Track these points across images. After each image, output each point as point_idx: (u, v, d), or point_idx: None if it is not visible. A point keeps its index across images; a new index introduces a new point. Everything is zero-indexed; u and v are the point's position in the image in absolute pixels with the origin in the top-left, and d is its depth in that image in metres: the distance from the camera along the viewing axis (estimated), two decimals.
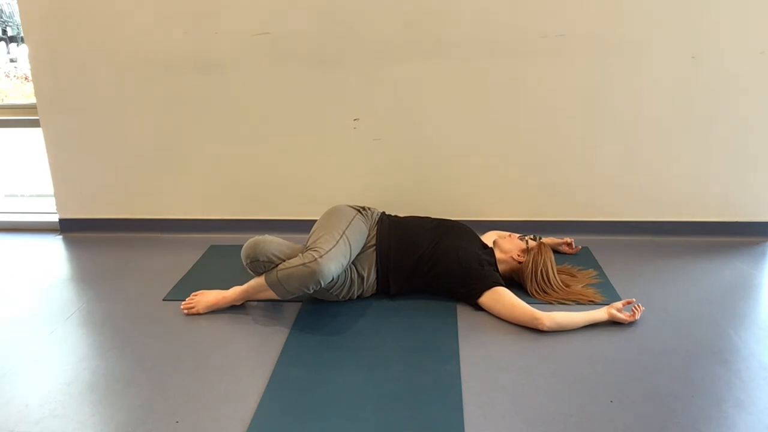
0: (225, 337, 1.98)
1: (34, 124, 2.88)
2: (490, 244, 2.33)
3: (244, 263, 2.04)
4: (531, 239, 2.26)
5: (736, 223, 2.75)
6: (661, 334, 1.95)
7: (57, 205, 3.00)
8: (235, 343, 1.95)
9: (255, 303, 2.20)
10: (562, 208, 2.79)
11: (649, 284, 2.31)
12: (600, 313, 2.00)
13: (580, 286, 2.24)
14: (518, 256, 2.22)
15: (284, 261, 1.98)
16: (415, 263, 2.16)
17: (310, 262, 1.91)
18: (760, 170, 2.65)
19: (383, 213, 2.33)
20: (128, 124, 2.80)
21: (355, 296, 2.18)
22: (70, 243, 2.89)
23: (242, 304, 2.18)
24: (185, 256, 2.65)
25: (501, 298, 2.05)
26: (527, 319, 1.97)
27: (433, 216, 2.38)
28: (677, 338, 1.93)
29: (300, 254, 1.98)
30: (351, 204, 2.33)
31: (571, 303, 2.14)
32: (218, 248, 2.74)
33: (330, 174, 2.81)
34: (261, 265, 2.01)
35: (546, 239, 2.56)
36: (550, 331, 1.96)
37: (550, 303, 2.14)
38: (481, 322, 2.05)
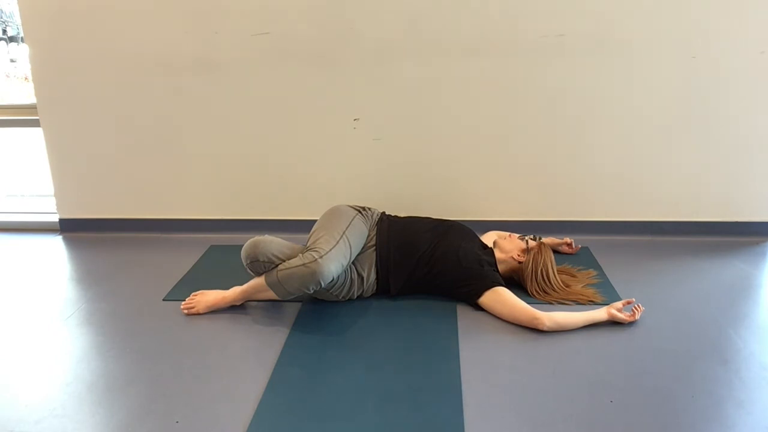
0: (225, 337, 1.98)
1: (34, 124, 2.88)
2: (490, 245, 2.33)
3: (244, 263, 2.04)
4: (531, 239, 2.26)
5: (736, 223, 2.75)
6: (661, 334, 1.95)
7: (57, 205, 3.00)
8: (235, 343, 1.95)
9: (255, 303, 2.20)
10: (562, 208, 2.79)
11: (649, 284, 2.31)
12: (600, 313, 2.00)
13: (580, 286, 2.24)
14: (518, 256, 2.22)
15: (284, 261, 1.98)
16: (415, 263, 2.16)
17: (310, 262, 1.91)
18: (760, 170, 2.65)
19: (383, 213, 2.33)
20: (128, 124, 2.80)
21: (355, 296, 2.18)
22: (70, 243, 2.89)
23: (242, 304, 2.18)
24: (185, 256, 2.65)
25: (501, 298, 2.05)
26: (527, 319, 1.97)
27: (433, 216, 2.38)
28: (677, 338, 1.93)
29: (300, 254, 1.98)
30: (351, 204, 2.33)
31: (571, 303, 2.14)
32: (218, 248, 2.74)
33: (330, 174, 2.81)
34: (261, 265, 2.01)
35: (546, 239, 2.56)
36: (550, 331, 1.96)
37: (550, 303, 2.14)
38: (481, 322, 2.05)
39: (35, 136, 2.96)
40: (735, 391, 1.66)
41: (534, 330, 1.97)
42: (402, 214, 2.40)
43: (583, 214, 2.79)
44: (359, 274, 2.15)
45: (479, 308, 2.12)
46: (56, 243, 2.90)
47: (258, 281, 2.04)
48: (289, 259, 1.98)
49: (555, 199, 2.78)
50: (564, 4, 2.47)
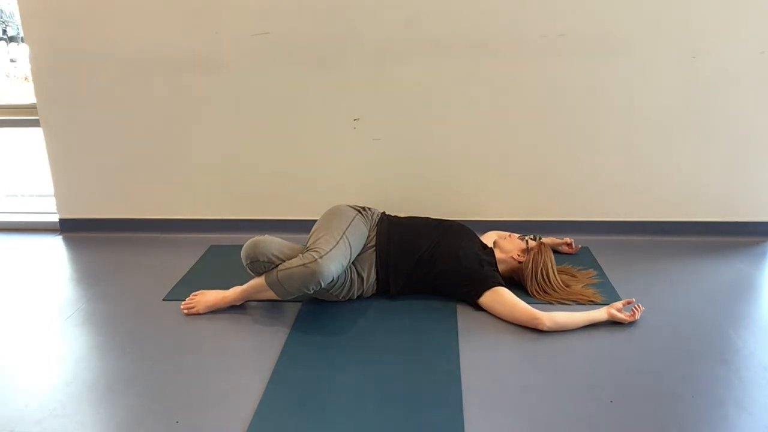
0: (225, 337, 1.98)
1: (34, 124, 2.88)
2: (490, 245, 2.33)
3: (244, 263, 2.04)
4: (531, 239, 2.26)
5: (736, 223, 2.75)
6: (661, 334, 1.95)
7: (57, 205, 3.00)
8: (235, 343, 1.95)
9: (255, 303, 2.20)
10: (562, 208, 2.79)
11: (649, 284, 2.31)
12: (600, 313, 2.00)
13: (580, 286, 2.24)
14: (518, 256, 2.22)
15: (284, 261, 1.98)
16: (415, 263, 2.16)
17: (310, 262, 1.91)
18: (760, 170, 2.65)
19: (383, 213, 2.33)
20: (128, 124, 2.80)
21: (355, 296, 2.18)
22: (70, 243, 2.89)
23: (242, 304, 2.18)
24: (185, 256, 2.65)
25: (501, 298, 2.05)
26: (527, 319, 1.97)
27: (433, 216, 2.38)
28: (677, 338, 1.93)
29: (300, 255, 1.98)
30: (351, 204, 2.33)
31: (571, 303, 2.14)
32: (218, 248, 2.74)
33: (330, 174, 2.81)
34: (261, 265, 2.01)
35: (546, 239, 2.56)
36: (550, 331, 1.96)
37: (550, 303, 2.14)
38: (481, 322, 2.05)
39: (35, 136, 2.96)
40: (735, 391, 1.66)
41: (534, 330, 1.97)
42: (402, 214, 2.40)
43: (583, 214, 2.79)
44: (359, 275, 2.15)
45: (479, 308, 2.12)
46: (56, 243, 2.89)
47: (258, 281, 2.04)
48: (289, 259, 1.98)
49: (555, 199, 2.78)
50: (564, 4, 2.47)
